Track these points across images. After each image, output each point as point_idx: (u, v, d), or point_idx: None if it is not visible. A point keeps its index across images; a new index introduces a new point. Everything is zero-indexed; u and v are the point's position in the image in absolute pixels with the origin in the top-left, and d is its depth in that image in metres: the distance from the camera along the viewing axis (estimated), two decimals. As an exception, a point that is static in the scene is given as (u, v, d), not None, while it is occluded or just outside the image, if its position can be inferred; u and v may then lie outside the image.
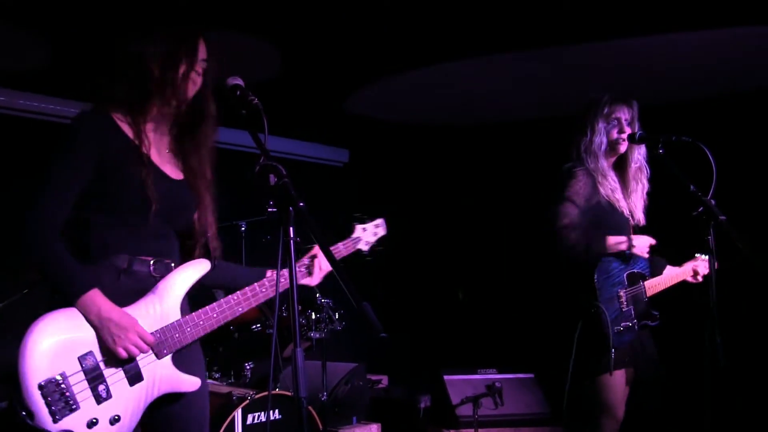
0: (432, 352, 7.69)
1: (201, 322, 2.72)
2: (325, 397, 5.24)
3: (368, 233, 3.34)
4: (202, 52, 2.81)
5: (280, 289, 2.74)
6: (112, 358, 2.53)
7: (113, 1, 4.79)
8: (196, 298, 2.84)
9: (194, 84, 2.79)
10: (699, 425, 3.67)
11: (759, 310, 5.63)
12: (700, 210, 3.58)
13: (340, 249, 3.20)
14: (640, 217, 4.16)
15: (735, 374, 4.22)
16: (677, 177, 3.64)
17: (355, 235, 3.29)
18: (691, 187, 3.59)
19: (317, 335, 5.20)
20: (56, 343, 2.43)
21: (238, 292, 2.82)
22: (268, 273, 2.94)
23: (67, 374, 2.43)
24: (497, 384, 5.79)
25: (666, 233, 4.24)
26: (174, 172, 2.83)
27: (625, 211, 4.08)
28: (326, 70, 6.15)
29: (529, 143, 7.09)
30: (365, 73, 6.24)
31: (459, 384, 5.93)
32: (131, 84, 2.70)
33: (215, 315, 2.75)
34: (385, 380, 7.01)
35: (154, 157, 2.75)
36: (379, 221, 3.39)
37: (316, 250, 3.04)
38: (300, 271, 3.02)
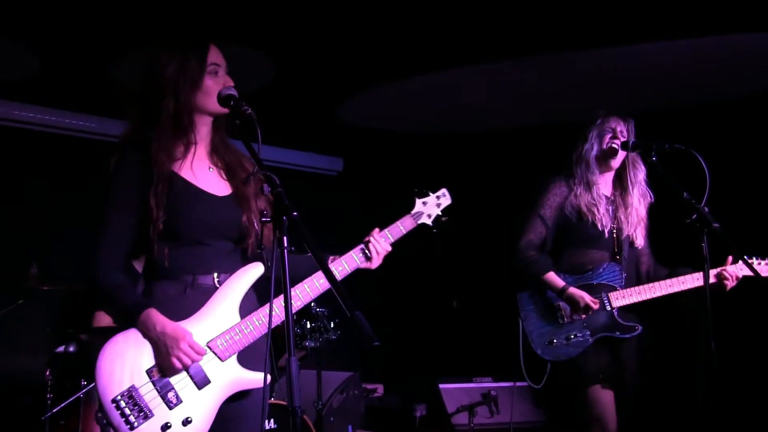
0: (427, 361, 7.67)
1: (258, 323, 2.82)
2: (320, 406, 5.23)
3: (430, 206, 3.26)
4: (215, 57, 2.88)
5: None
6: (173, 368, 2.70)
7: (100, 12, 4.79)
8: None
9: (214, 90, 2.83)
10: (693, 430, 3.67)
11: (753, 317, 5.64)
12: (693, 217, 3.59)
13: (399, 227, 3.14)
14: (633, 233, 4.15)
15: (728, 380, 4.23)
16: (671, 184, 3.65)
17: (415, 210, 3.22)
18: (685, 194, 3.60)
19: (312, 344, 5.19)
20: (123, 361, 2.70)
21: (294, 288, 2.85)
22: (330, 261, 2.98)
23: (137, 386, 2.68)
24: (493, 392, 5.79)
25: (660, 241, 4.25)
26: (218, 189, 2.90)
27: (601, 225, 4.06)
28: (320, 79, 6.16)
29: (524, 150, 7.09)
30: (359, 81, 6.25)
31: (454, 392, 5.92)
32: (170, 111, 2.80)
33: (274, 313, 2.78)
34: (380, 389, 7.00)
35: (196, 176, 2.86)
36: (441, 191, 3.31)
37: (370, 235, 3.05)
38: (358, 256, 3.02)
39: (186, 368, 2.71)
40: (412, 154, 8.08)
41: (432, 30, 5.18)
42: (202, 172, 2.89)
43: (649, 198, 4.21)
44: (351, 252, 3.02)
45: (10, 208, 6.01)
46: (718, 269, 4.07)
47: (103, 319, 4.69)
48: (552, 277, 4.04)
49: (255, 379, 2.82)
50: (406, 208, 3.23)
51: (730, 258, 4.08)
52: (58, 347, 4.54)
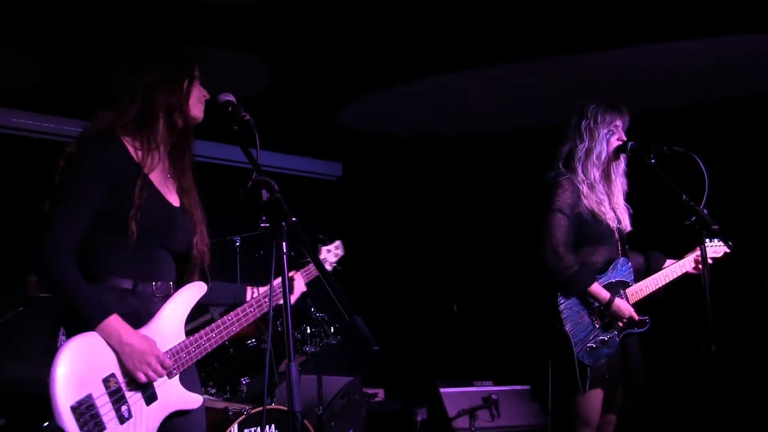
0: (428, 365, 7.67)
1: (203, 343, 2.83)
2: (321, 411, 5.23)
3: (331, 254, 3.67)
4: (197, 71, 2.90)
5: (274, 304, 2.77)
6: (131, 380, 2.63)
7: (101, 20, 4.79)
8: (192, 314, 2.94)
9: (201, 103, 2.88)
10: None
11: (753, 318, 5.64)
12: (693, 219, 3.59)
13: (311, 271, 3.35)
14: (627, 223, 4.15)
15: (729, 382, 4.23)
16: (670, 187, 3.65)
17: (321, 257, 3.59)
18: (684, 196, 3.60)
19: (312, 349, 5.19)
20: (82, 366, 2.53)
21: (231, 313, 2.95)
22: (249, 292, 3.13)
23: (94, 396, 2.53)
24: (493, 396, 5.79)
25: (659, 243, 4.25)
26: (173, 198, 2.89)
27: (611, 223, 4.04)
28: (318, 84, 6.16)
29: (525, 154, 7.09)
30: (357, 85, 6.25)
31: (455, 396, 5.92)
32: (138, 110, 2.80)
33: (214, 336, 2.88)
34: (381, 393, 6.99)
35: (158, 182, 2.83)
36: (338, 243, 3.71)
37: (293, 273, 3.22)
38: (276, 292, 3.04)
39: (151, 382, 2.66)
40: (411, 159, 8.09)
41: (431, 34, 5.18)
42: (163, 179, 2.88)
43: (625, 187, 4.18)
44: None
45: (10, 216, 6.01)
46: (693, 255, 4.16)
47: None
48: (597, 289, 3.93)
49: (192, 399, 2.82)
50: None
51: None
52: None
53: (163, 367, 2.66)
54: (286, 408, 4.14)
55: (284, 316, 2.29)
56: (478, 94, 6.44)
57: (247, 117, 2.67)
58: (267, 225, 2.44)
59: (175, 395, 2.76)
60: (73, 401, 2.47)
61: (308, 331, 5.20)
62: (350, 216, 7.83)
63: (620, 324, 3.97)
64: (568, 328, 3.89)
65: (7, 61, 5.38)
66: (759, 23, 4.85)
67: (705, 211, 3.58)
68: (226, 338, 2.91)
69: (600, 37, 5.17)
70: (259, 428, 4.11)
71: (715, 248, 4.19)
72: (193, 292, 2.87)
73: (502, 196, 7.47)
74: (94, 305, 2.59)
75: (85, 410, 2.49)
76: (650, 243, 4.32)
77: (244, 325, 2.99)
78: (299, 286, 3.25)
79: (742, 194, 5.75)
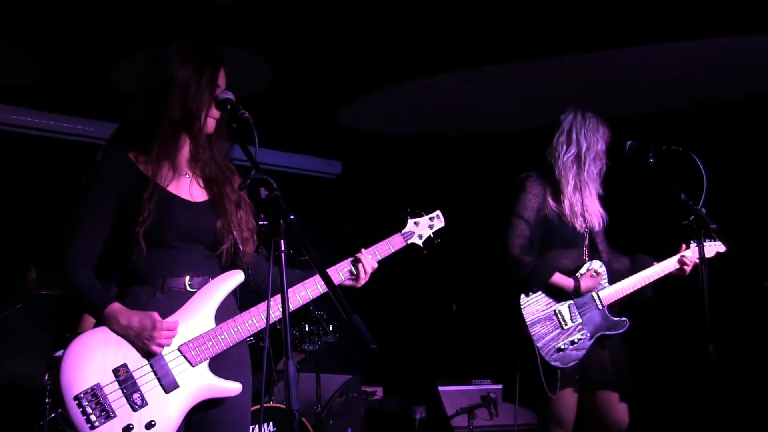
0: (427, 363, 7.68)
1: (233, 331, 2.81)
2: (319, 410, 5.23)
3: (422, 226, 3.26)
4: (222, 78, 2.88)
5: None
6: (145, 368, 2.68)
7: (102, 18, 4.80)
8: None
9: (213, 119, 2.86)
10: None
11: (751, 319, 5.64)
12: (691, 219, 3.60)
13: (388, 246, 3.15)
14: (598, 227, 4.14)
15: (727, 382, 4.23)
16: (668, 186, 3.65)
17: (406, 230, 3.22)
18: (682, 196, 3.60)
19: (311, 347, 5.19)
20: (89, 357, 2.64)
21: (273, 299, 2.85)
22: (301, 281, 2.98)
23: (102, 385, 2.62)
24: (492, 395, 5.79)
25: (656, 242, 4.25)
26: (194, 195, 2.90)
27: (579, 227, 4.07)
28: (318, 83, 6.16)
29: (524, 154, 7.07)
30: (357, 84, 6.25)
31: (454, 395, 5.92)
32: (154, 119, 2.79)
33: (250, 322, 2.85)
34: (379, 392, 7.00)
35: (171, 182, 2.85)
36: (435, 213, 3.31)
37: (360, 254, 3.04)
38: (344, 273, 3.04)
39: (169, 370, 2.69)
40: (411, 158, 8.09)
41: (430, 33, 5.19)
42: (178, 178, 2.88)
43: (600, 191, 4.18)
44: (336, 267, 3.02)
45: (9, 213, 6.01)
46: (678, 255, 4.14)
47: (88, 321, 4.69)
48: (559, 278, 3.98)
49: (226, 387, 2.78)
50: (397, 226, 3.22)
51: (683, 246, 4.16)
52: (57, 352, 4.54)
53: (169, 329, 2.68)
54: (284, 406, 4.15)
55: (282, 314, 2.28)
56: (477, 94, 6.44)
57: (246, 115, 2.66)
58: (265, 223, 2.43)
59: (201, 384, 2.73)
60: (77, 391, 2.58)
61: (307, 329, 5.20)
62: (349, 214, 7.83)
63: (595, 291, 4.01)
64: (533, 330, 3.93)
65: (8, 59, 5.38)
66: (758, 24, 4.86)
67: (703, 211, 3.59)
68: (263, 326, 2.85)
69: (600, 37, 5.17)
70: (257, 426, 4.10)
71: (707, 248, 4.19)
72: (227, 281, 2.85)
73: (501, 196, 7.46)
74: (96, 300, 2.72)
75: (90, 399, 2.58)
76: (645, 243, 4.31)
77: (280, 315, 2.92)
78: (368, 265, 3.05)
79: (741, 194, 5.76)
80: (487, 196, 7.66)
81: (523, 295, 3.97)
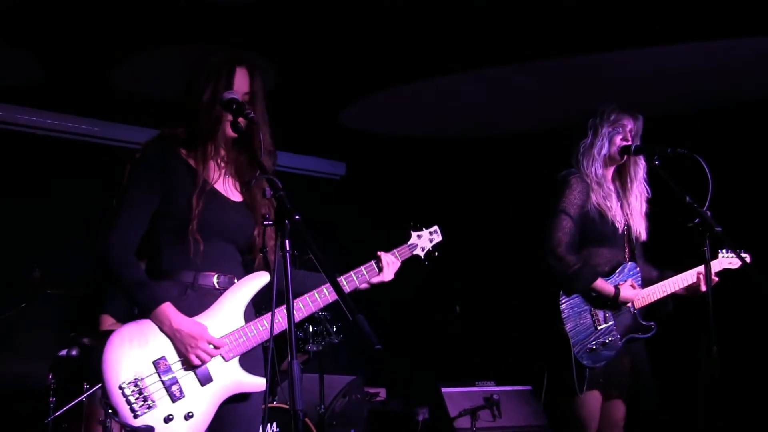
0: (430, 365, 7.67)
1: (262, 328, 2.90)
2: (322, 410, 5.23)
3: (423, 239, 3.47)
4: (240, 85, 2.93)
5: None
6: (183, 362, 2.77)
7: (104, 18, 4.81)
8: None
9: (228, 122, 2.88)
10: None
11: (755, 322, 5.63)
12: (696, 221, 3.59)
13: (396, 255, 3.33)
14: (640, 231, 4.12)
15: (730, 386, 4.22)
16: (673, 188, 3.64)
17: (411, 242, 3.43)
18: (687, 198, 3.60)
19: (314, 348, 5.19)
20: (131, 349, 2.74)
21: (297, 299, 2.99)
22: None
23: (143, 376, 2.71)
24: (495, 396, 5.77)
25: (662, 245, 4.24)
26: (234, 194, 2.99)
27: (617, 222, 4.03)
28: (322, 84, 6.17)
29: (527, 155, 7.09)
30: (361, 85, 6.25)
31: (457, 396, 5.91)
32: (194, 117, 2.88)
33: (276, 321, 2.88)
34: (382, 393, 6.99)
35: (216, 181, 2.94)
36: (434, 228, 3.52)
37: (380, 253, 3.21)
38: (368, 269, 3.19)
39: (205, 364, 2.76)
40: (415, 159, 8.08)
41: (434, 35, 5.19)
42: (219, 176, 2.96)
43: (647, 194, 4.16)
44: (361, 267, 3.17)
45: (13, 212, 6.01)
46: (697, 269, 4.09)
47: (107, 322, 4.70)
48: (601, 284, 3.94)
49: (254, 383, 2.88)
50: (403, 238, 3.42)
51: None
52: (61, 351, 4.54)
53: (215, 347, 2.77)
54: (287, 406, 4.14)
55: (287, 314, 2.29)
56: (480, 95, 6.44)
57: (252, 115, 2.70)
58: (271, 223, 2.47)
59: (233, 379, 2.84)
60: (120, 381, 2.68)
61: (311, 329, 5.20)
62: (354, 215, 7.83)
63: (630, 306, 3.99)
64: (568, 327, 3.90)
65: (12, 59, 5.39)
66: (762, 27, 4.86)
67: (708, 213, 3.58)
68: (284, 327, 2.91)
69: (600, 38, 5.17)
70: (260, 427, 4.09)
71: (731, 260, 4.18)
72: (254, 281, 2.93)
73: (504, 197, 7.46)
74: (148, 295, 2.77)
75: (133, 389, 2.68)
76: (650, 245, 4.31)
77: (311, 311, 3.06)
78: (391, 265, 3.26)
79: (746, 196, 5.75)
80: (491, 197, 7.69)
81: (561, 294, 3.94)
